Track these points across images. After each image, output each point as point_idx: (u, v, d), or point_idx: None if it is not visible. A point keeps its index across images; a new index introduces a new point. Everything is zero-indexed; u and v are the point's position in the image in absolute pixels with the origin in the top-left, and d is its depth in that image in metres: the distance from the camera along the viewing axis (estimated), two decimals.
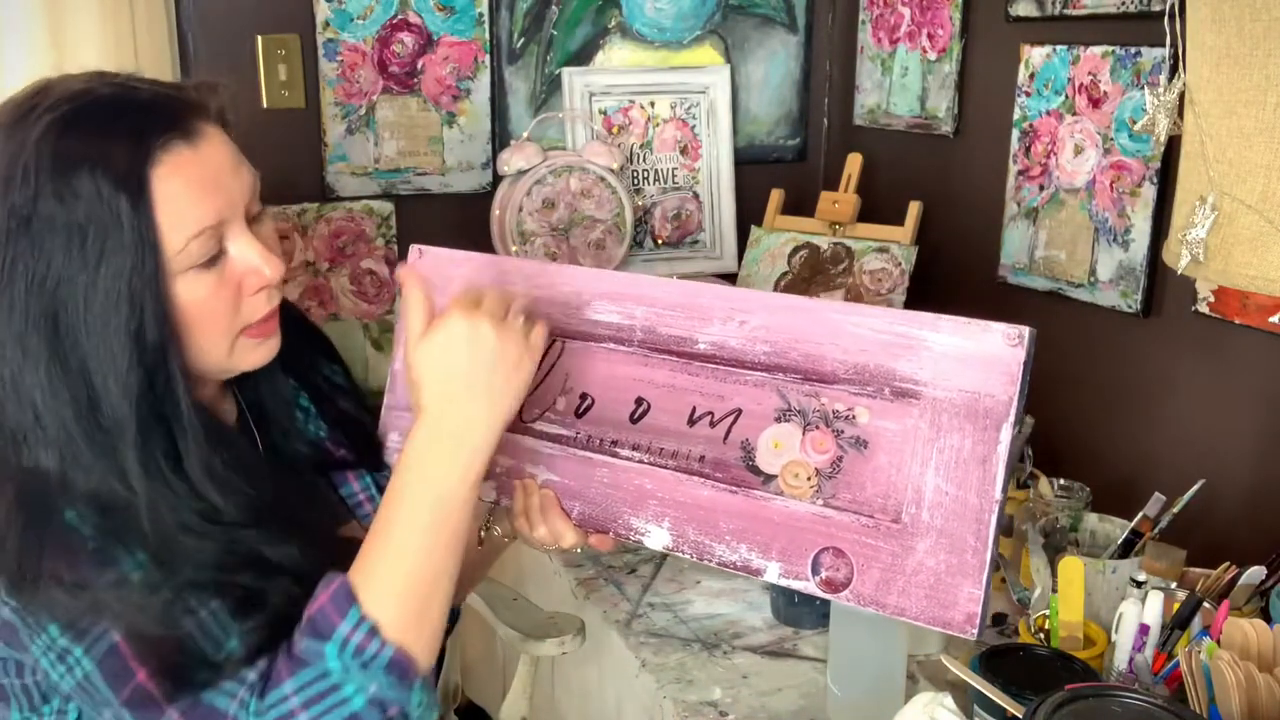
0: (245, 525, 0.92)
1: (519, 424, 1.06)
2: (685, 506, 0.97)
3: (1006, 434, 0.85)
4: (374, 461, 1.15)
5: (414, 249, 1.12)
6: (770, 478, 0.94)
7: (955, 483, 0.86)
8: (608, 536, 1.02)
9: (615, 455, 1.01)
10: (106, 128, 0.88)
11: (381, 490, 1.15)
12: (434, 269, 1.11)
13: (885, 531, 0.89)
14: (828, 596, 0.91)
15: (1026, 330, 0.85)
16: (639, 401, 1.01)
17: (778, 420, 0.95)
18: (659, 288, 1.01)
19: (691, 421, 0.99)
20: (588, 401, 1.04)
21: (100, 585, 0.86)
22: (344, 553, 1.09)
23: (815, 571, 0.91)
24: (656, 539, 0.99)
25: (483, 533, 1.15)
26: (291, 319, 1.10)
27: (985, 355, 0.86)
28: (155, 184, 0.87)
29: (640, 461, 1.00)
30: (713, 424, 0.97)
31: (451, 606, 1.26)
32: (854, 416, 0.91)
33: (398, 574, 0.90)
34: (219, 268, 0.93)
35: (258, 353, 0.99)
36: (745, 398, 0.96)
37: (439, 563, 0.91)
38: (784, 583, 0.93)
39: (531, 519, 1.04)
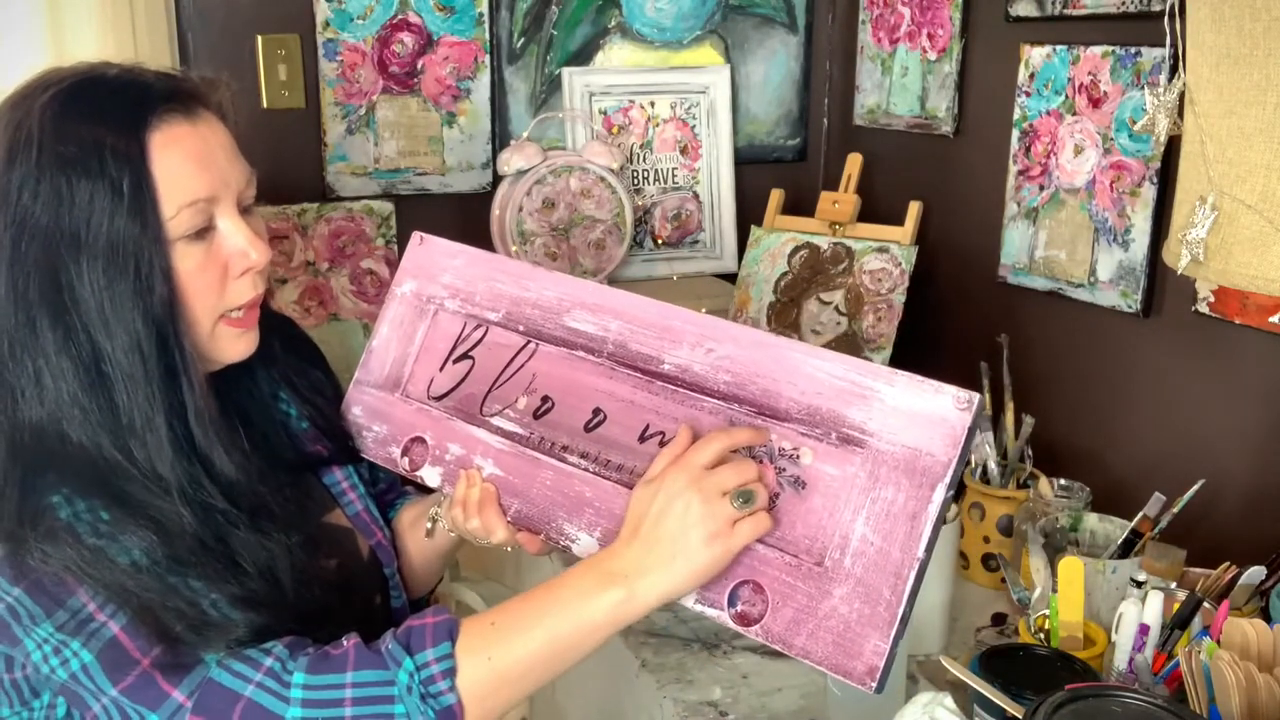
0: (240, 490, 0.94)
1: (477, 416, 1.08)
2: (620, 520, 0.96)
3: (940, 494, 0.85)
4: (350, 457, 1.16)
5: (415, 235, 1.20)
6: None
7: (882, 535, 0.87)
8: (538, 538, 1.03)
9: (563, 460, 1.02)
10: (108, 97, 0.91)
11: (362, 478, 1.17)
12: (430, 258, 1.18)
13: (806, 573, 0.89)
14: (738, 629, 0.91)
15: (976, 396, 0.86)
16: (596, 412, 1.02)
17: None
18: (637, 306, 1.03)
19: (643, 438, 1.00)
20: (548, 404, 1.05)
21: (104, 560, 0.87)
22: (328, 540, 1.10)
23: (732, 603, 0.92)
24: (584, 546, 1.00)
25: (429, 524, 1.16)
26: (278, 320, 1.11)
27: (933, 415, 0.87)
28: (153, 151, 0.90)
29: (585, 470, 1.01)
30: (662, 443, 0.98)
31: (415, 598, 1.27)
32: (798, 456, 0.92)
33: (505, 652, 0.91)
34: (207, 243, 0.95)
35: (237, 344, 1.00)
36: (698, 423, 0.97)
37: (541, 669, 0.92)
38: (698, 609, 0.93)
39: (468, 510, 1.06)
